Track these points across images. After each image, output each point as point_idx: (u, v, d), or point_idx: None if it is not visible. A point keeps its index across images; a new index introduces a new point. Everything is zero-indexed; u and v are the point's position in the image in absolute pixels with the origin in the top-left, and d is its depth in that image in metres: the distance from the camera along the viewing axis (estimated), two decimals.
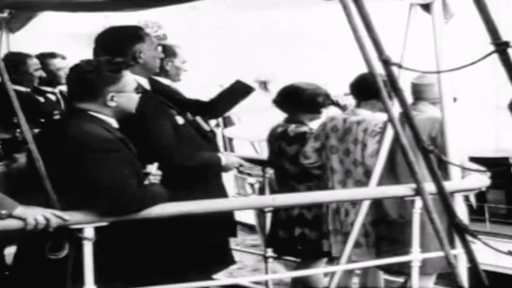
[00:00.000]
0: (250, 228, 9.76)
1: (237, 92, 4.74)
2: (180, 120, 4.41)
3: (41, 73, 5.84)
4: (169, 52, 4.89)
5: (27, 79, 5.76)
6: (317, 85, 5.29)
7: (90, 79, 3.65)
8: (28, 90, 5.78)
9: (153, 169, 3.75)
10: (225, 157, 4.48)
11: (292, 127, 5.22)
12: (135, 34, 4.34)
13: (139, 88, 3.75)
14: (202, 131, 4.65)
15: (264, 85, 4.70)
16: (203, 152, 4.46)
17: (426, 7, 4.28)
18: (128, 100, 3.69)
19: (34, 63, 5.81)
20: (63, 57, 6.31)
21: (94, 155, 3.45)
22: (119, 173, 3.45)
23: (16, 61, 5.74)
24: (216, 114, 4.90)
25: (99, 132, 3.53)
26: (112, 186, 3.43)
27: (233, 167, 4.59)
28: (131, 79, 3.73)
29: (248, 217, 7.97)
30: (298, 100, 5.20)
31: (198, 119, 4.70)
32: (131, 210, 3.49)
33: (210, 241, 4.48)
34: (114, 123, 3.68)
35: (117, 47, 4.25)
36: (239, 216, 5.05)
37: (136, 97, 3.74)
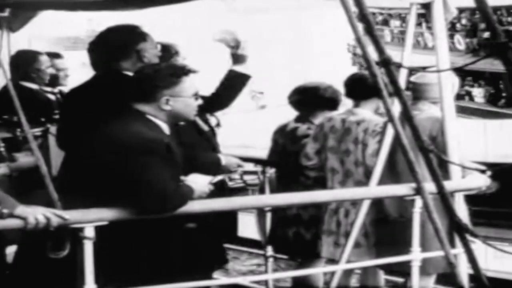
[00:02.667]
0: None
1: (235, 81, 4.75)
2: (204, 126, 4.42)
3: (51, 70, 5.87)
4: (172, 51, 4.89)
5: (39, 77, 5.78)
6: (329, 84, 5.37)
7: (146, 80, 3.68)
8: (38, 87, 5.80)
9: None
10: (224, 158, 4.48)
11: (303, 128, 5.24)
12: (138, 33, 4.33)
13: (197, 95, 3.73)
14: (201, 131, 4.65)
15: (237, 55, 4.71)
16: (202, 152, 4.46)
17: (426, 6, 4.28)
18: (184, 106, 3.69)
19: (45, 60, 5.84)
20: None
21: (137, 156, 3.48)
22: (159, 176, 3.49)
23: (28, 58, 5.77)
24: (222, 106, 4.91)
25: (145, 134, 3.55)
26: (152, 187, 3.46)
27: (232, 168, 4.58)
28: (190, 85, 3.71)
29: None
30: (319, 98, 5.24)
31: (197, 119, 4.70)
32: (169, 209, 3.54)
33: (210, 241, 4.48)
34: (166, 129, 3.69)
35: (121, 47, 4.26)
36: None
37: (194, 104, 3.72)
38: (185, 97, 3.68)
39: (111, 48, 4.26)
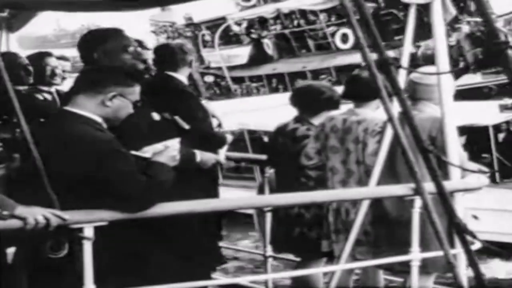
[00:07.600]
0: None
1: None
2: (156, 116, 4.44)
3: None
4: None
5: (25, 78, 5.74)
6: (329, 84, 5.42)
7: (102, 71, 3.67)
8: (26, 88, 5.76)
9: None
10: (200, 154, 4.51)
11: (302, 129, 5.24)
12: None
13: (138, 103, 3.72)
14: (180, 128, 4.67)
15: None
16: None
17: (426, 7, 4.28)
18: (123, 109, 3.65)
19: (24, 60, 5.79)
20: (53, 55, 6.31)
21: (102, 156, 3.45)
22: (128, 171, 3.48)
23: (11, 60, 5.73)
24: None
25: (98, 134, 3.53)
26: (124, 184, 3.45)
27: (210, 164, 4.61)
28: (137, 92, 3.69)
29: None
30: (325, 98, 5.24)
31: (177, 118, 4.73)
32: (146, 204, 3.52)
33: (207, 240, 4.50)
34: (104, 124, 3.65)
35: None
36: None
37: (130, 110, 3.68)
38: (129, 101, 3.65)
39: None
